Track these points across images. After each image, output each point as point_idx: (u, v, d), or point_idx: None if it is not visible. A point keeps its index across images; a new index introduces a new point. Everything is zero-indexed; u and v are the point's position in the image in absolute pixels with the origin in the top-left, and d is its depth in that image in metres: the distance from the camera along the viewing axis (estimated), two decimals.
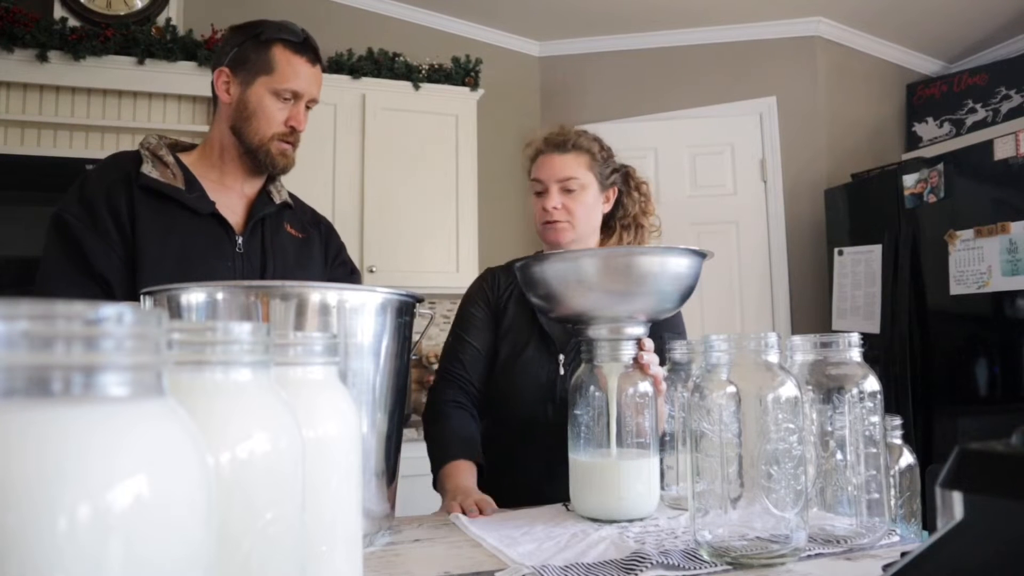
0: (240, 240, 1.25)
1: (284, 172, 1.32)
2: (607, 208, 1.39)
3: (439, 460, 1.23)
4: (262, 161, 1.28)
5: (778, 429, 0.76)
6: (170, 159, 1.25)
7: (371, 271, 2.79)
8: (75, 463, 0.23)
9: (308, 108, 1.30)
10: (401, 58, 2.99)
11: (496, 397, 1.36)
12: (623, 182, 1.42)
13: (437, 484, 1.22)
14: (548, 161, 1.35)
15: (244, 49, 1.26)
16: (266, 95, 1.25)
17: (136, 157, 1.24)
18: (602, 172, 1.36)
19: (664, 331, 1.25)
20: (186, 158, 1.29)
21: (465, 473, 1.19)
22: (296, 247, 1.33)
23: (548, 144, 1.36)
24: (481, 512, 1.03)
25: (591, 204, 1.35)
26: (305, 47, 1.28)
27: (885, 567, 0.69)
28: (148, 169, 1.21)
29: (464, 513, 1.03)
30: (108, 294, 1.15)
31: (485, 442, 1.30)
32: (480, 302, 1.41)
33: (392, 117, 2.94)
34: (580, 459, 1.02)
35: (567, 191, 1.33)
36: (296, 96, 1.27)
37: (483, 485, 1.20)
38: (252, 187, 1.33)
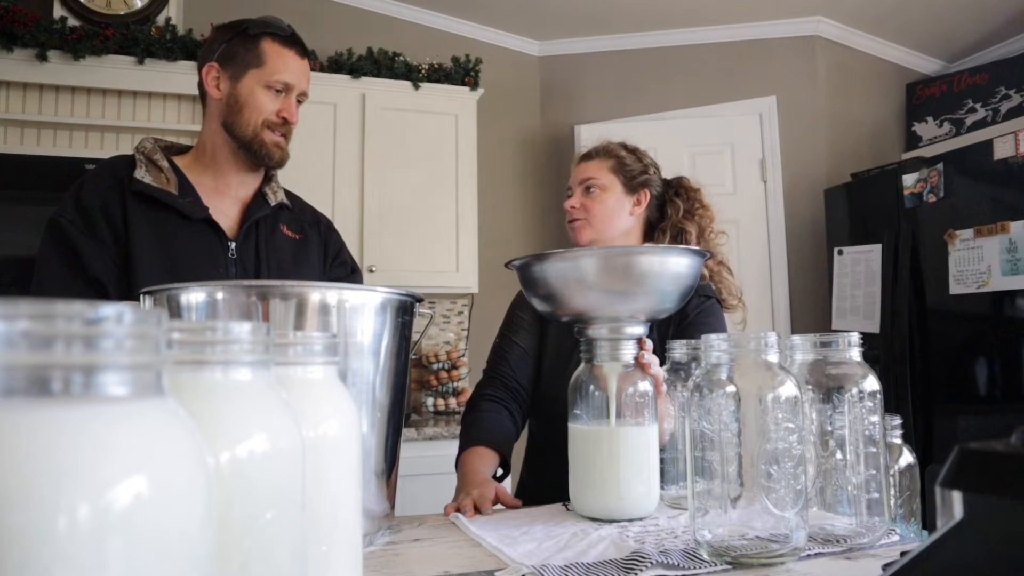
0: (233, 246, 1.24)
1: (280, 166, 1.31)
2: (639, 211, 1.41)
3: (461, 445, 1.29)
4: (256, 153, 1.26)
5: (778, 429, 0.76)
6: (164, 163, 1.24)
7: (371, 271, 2.79)
8: (75, 463, 0.23)
9: (299, 102, 1.30)
10: (401, 58, 2.99)
11: (543, 402, 1.40)
12: (665, 188, 1.45)
13: (457, 467, 1.27)
14: (576, 169, 1.45)
15: (233, 44, 1.26)
16: (257, 87, 1.25)
17: (130, 161, 1.24)
18: (628, 175, 1.40)
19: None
20: (181, 161, 1.29)
21: (480, 459, 1.23)
22: (292, 249, 1.32)
23: (581, 156, 1.47)
24: (479, 511, 1.03)
25: (612, 205, 1.39)
26: (293, 40, 1.28)
27: (885, 567, 0.69)
28: (141, 174, 1.21)
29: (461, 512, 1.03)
30: (103, 298, 1.14)
31: (534, 445, 1.39)
32: (527, 306, 1.43)
33: (392, 117, 2.94)
34: (579, 427, 1.02)
35: (587, 191, 1.40)
36: (287, 88, 1.27)
37: (531, 485, 1.30)
38: (247, 189, 1.32)
